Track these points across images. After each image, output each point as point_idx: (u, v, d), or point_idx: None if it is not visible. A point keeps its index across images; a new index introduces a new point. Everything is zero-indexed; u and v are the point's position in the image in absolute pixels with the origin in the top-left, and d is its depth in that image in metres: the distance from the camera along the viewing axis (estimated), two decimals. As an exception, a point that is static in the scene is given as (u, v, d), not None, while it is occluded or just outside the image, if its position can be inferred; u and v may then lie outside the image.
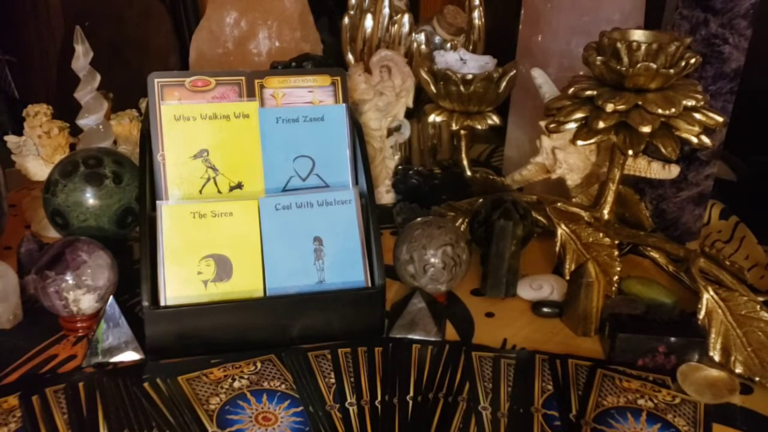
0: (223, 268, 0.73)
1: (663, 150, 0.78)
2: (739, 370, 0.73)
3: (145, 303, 0.70)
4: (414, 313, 0.77)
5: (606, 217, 0.90)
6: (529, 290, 0.86)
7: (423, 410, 0.66)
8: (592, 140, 0.81)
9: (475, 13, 1.17)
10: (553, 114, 0.85)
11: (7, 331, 0.76)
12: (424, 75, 0.97)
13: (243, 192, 0.77)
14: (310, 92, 0.81)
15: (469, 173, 1.02)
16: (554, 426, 0.65)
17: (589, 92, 0.82)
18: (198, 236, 0.73)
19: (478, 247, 0.90)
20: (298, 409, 0.66)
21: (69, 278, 0.71)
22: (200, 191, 0.77)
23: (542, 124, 0.96)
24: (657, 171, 0.93)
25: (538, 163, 0.99)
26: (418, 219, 0.81)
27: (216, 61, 1.16)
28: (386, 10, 1.14)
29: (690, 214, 0.98)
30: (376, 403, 0.67)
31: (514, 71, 0.95)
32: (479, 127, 0.98)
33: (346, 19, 1.17)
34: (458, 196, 1.03)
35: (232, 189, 0.77)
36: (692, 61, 0.79)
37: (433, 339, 0.76)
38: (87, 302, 0.73)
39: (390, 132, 1.09)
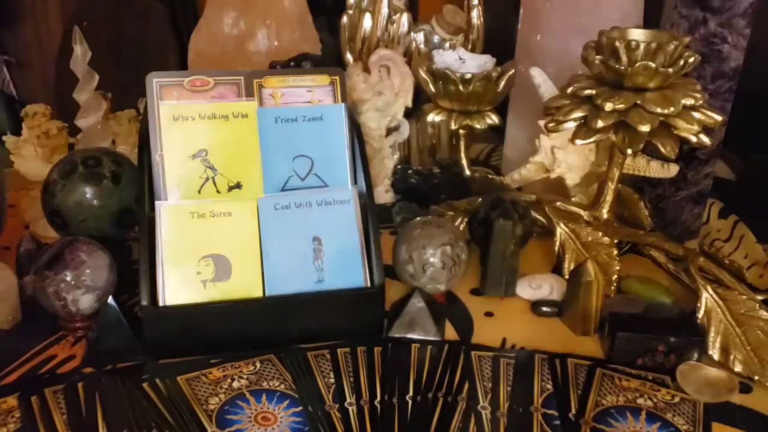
0: (222, 268, 0.73)
1: (662, 149, 0.78)
2: (738, 369, 0.73)
3: (144, 303, 0.70)
4: (413, 313, 0.77)
5: (605, 216, 0.90)
6: (528, 290, 0.86)
7: (422, 410, 0.66)
8: (591, 139, 0.81)
9: (474, 13, 1.17)
10: (552, 113, 0.85)
11: (5, 332, 0.76)
12: (423, 74, 0.97)
13: (242, 192, 0.77)
14: (309, 92, 0.81)
15: (468, 173, 1.02)
16: (553, 425, 0.65)
17: (588, 91, 0.81)
18: (197, 236, 0.73)
19: (477, 246, 0.90)
20: (297, 409, 0.66)
21: (68, 278, 0.71)
22: (199, 191, 0.76)
23: (541, 123, 0.96)
24: (656, 170, 0.93)
25: (537, 163, 0.99)
26: (417, 218, 0.81)
27: (215, 60, 1.16)
28: (385, 10, 1.14)
29: (689, 213, 0.98)
30: (376, 402, 0.67)
31: (513, 70, 0.95)
32: (478, 126, 0.98)
33: (344, 19, 1.17)
34: (457, 195, 1.02)
35: (230, 189, 0.77)
36: (691, 60, 0.79)
37: (432, 339, 0.76)
38: (86, 302, 0.73)
39: (389, 131, 1.09)
